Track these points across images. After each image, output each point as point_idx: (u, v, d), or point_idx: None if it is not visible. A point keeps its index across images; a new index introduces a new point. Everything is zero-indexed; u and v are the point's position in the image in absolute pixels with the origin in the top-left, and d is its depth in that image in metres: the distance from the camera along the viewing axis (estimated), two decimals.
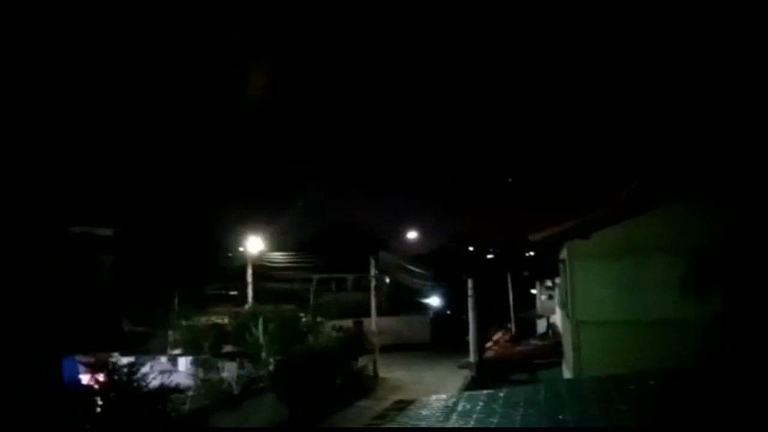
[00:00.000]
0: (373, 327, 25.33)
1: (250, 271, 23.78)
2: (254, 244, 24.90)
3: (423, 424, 5.81)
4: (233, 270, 27.66)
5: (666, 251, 9.84)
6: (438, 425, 5.50)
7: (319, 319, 21.81)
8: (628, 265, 10.74)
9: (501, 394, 6.45)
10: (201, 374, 16.90)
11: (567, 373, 13.77)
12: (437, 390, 17.24)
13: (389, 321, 30.02)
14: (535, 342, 26.22)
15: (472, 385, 20.55)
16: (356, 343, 23.13)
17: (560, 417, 5.33)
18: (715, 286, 8.22)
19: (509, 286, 33.93)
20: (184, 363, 17.74)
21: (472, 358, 25.50)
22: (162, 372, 15.27)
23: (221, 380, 17.02)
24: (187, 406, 13.97)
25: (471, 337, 25.86)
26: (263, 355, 18.58)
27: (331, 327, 22.58)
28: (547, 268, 27.14)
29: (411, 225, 45.43)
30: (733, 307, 8.03)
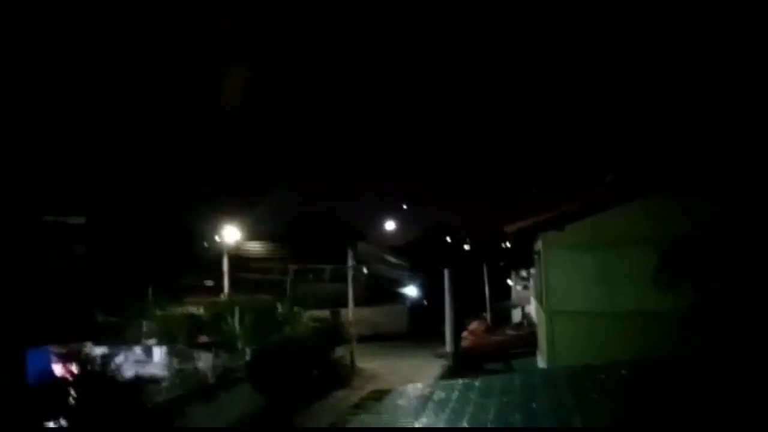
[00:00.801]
0: (351, 317, 25.35)
1: (226, 261, 23.61)
2: (230, 234, 24.71)
3: (399, 413, 5.85)
4: (209, 260, 27.43)
5: (640, 243, 10.00)
6: (414, 414, 5.55)
7: (296, 309, 21.77)
8: (602, 257, 10.90)
9: (476, 383, 6.51)
10: (176, 364, 16.77)
11: (541, 363, 13.97)
12: (413, 379, 17.35)
13: (366, 311, 30.06)
14: (510, 332, 26.52)
15: (448, 374, 20.72)
16: (333, 333, 23.14)
17: (534, 406, 5.41)
18: (688, 279, 8.36)
19: (485, 276, 34.23)
20: (158, 353, 17.57)
21: (448, 347, 25.70)
22: (136, 362, 15.15)
23: (196, 370, 16.90)
24: (161, 397, 13.86)
25: (447, 327, 26.05)
26: (239, 345, 18.51)
27: (308, 317, 22.55)
28: (522, 259, 27.43)
29: (389, 216, 45.64)
30: (706, 299, 8.18)
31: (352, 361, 23.76)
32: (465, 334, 27.14)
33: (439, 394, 6.13)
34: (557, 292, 11.42)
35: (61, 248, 20.82)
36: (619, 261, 10.66)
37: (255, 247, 35.98)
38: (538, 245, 12.73)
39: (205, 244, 30.90)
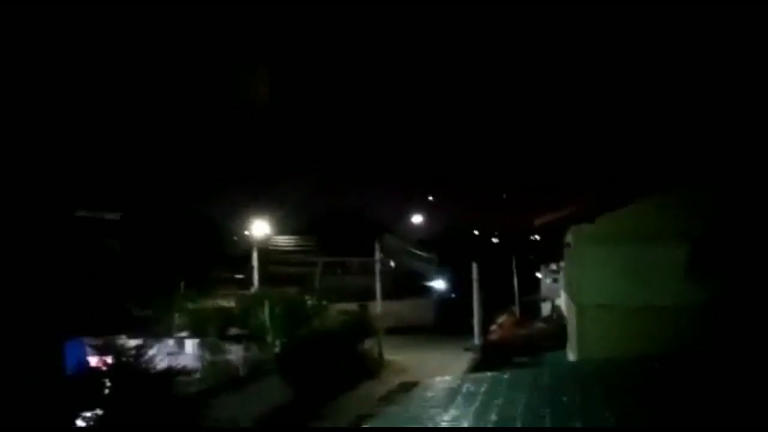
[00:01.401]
0: (378, 310, 25.45)
1: (255, 255, 23.89)
2: (260, 228, 24.97)
3: (427, 406, 5.88)
4: (239, 254, 27.78)
5: (672, 236, 9.81)
6: (442, 407, 5.56)
7: (324, 302, 21.93)
8: (635, 250, 10.71)
9: (505, 377, 6.50)
10: (207, 356, 17.06)
11: (571, 356, 13.83)
12: (441, 372, 17.33)
13: (394, 304, 30.12)
14: (539, 325, 26.30)
15: (477, 367, 20.67)
16: (361, 326, 23.26)
17: (563, 399, 5.38)
18: (720, 272, 8.20)
19: (514, 269, 34.01)
20: (190, 345, 17.90)
21: (476, 340, 25.66)
22: (169, 354, 15.43)
23: (227, 362, 17.17)
24: (193, 388, 14.12)
25: (475, 320, 26.01)
26: (269, 338, 18.73)
27: (336, 310, 22.70)
28: (552, 252, 27.17)
29: (416, 209, 45.53)
30: (739, 293, 8.02)
31: (380, 354, 23.86)
32: (494, 327, 27.02)
33: (467, 387, 6.14)
34: (588, 285, 11.27)
35: (97, 243, 21.37)
36: (651, 254, 10.47)
37: (284, 241, 36.31)
38: (568, 238, 12.60)
39: (236, 239, 31.26)
